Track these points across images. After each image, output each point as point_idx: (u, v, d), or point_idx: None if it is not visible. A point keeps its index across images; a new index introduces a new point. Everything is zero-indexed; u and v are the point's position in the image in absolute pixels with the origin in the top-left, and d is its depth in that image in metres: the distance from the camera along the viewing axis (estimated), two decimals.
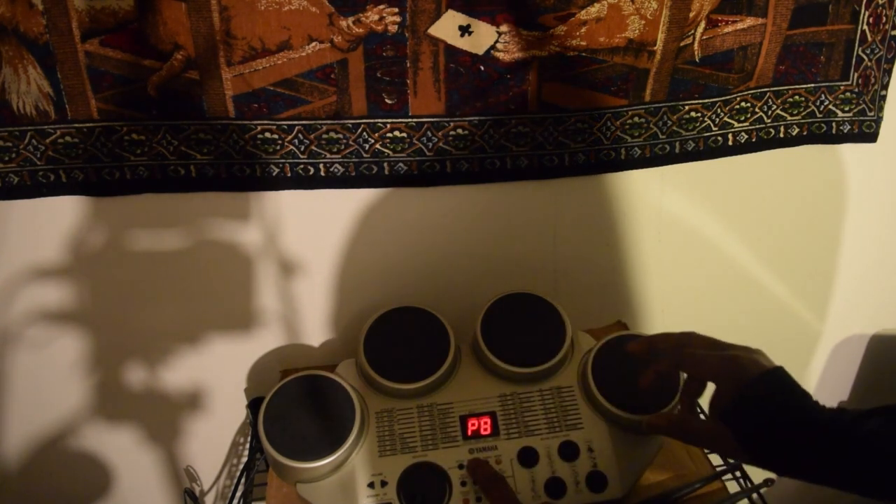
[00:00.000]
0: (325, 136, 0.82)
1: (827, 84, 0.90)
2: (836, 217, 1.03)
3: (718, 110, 0.89)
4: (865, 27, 0.86)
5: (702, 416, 0.75)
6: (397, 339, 0.78)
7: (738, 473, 0.77)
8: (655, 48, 0.82)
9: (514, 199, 0.91)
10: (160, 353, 0.93)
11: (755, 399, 0.54)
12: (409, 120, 0.82)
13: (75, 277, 0.87)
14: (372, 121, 0.82)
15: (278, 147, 0.82)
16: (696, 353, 0.61)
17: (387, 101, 0.81)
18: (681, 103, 0.87)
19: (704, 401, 0.88)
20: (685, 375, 0.68)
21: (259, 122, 0.80)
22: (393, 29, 0.77)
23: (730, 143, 0.92)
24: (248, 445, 1.00)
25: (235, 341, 0.94)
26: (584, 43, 0.81)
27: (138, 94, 0.77)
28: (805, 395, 0.54)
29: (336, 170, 0.85)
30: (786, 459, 0.53)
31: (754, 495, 0.74)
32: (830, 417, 0.52)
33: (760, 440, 0.54)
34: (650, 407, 0.71)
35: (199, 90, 0.78)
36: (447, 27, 0.78)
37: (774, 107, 0.90)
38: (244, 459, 1.00)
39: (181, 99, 0.78)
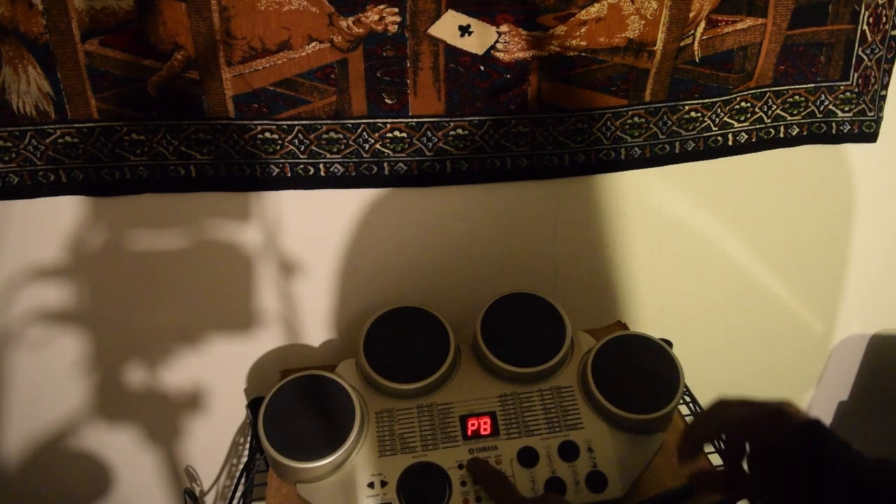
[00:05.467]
0: (325, 136, 0.82)
1: (827, 84, 0.90)
2: (835, 217, 1.03)
3: (718, 110, 0.89)
4: (865, 27, 0.86)
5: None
6: (397, 339, 0.78)
7: None
8: (655, 48, 0.82)
9: (514, 199, 0.91)
10: (160, 353, 0.93)
11: (803, 449, 0.54)
12: (409, 120, 0.82)
13: (75, 277, 0.87)
14: (372, 121, 0.82)
15: (278, 147, 0.82)
16: (735, 415, 0.60)
17: (387, 101, 0.81)
18: (681, 103, 0.87)
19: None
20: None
21: (259, 122, 0.80)
22: (393, 29, 0.77)
23: (730, 143, 0.92)
24: (248, 445, 1.00)
25: (235, 341, 0.94)
26: (584, 43, 0.81)
27: (138, 94, 0.77)
28: (848, 445, 0.55)
29: (336, 170, 0.85)
30: None
31: None
32: (874, 469, 0.52)
33: (808, 488, 0.54)
34: (650, 407, 0.71)
35: (199, 90, 0.78)
36: (447, 27, 0.78)
37: (774, 107, 0.90)
38: (244, 459, 1.00)
39: (181, 99, 0.78)
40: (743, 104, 0.89)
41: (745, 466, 0.61)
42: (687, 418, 0.86)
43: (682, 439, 0.63)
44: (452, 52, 0.79)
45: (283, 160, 0.83)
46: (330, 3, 0.75)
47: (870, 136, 0.93)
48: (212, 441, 1.01)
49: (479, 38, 0.79)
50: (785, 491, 0.55)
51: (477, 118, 0.83)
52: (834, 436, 0.55)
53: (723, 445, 0.62)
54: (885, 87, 0.90)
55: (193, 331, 0.93)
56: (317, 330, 0.96)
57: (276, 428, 0.70)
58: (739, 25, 0.83)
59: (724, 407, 0.62)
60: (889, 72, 0.89)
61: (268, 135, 0.81)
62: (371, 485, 0.69)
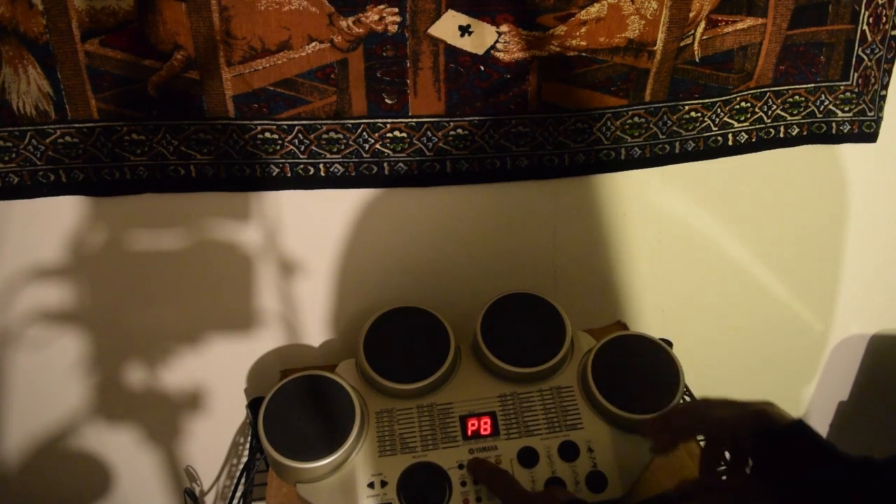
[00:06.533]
0: (325, 136, 0.82)
1: (827, 84, 0.90)
2: (835, 217, 1.03)
3: (718, 110, 0.89)
4: (865, 27, 0.86)
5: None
6: (397, 339, 0.78)
7: None
8: (655, 48, 0.82)
9: (514, 199, 0.91)
10: (160, 353, 0.93)
11: (792, 449, 0.54)
12: (409, 120, 0.82)
13: (75, 277, 0.87)
14: (372, 121, 0.82)
15: (278, 147, 0.82)
16: (716, 415, 0.59)
17: (387, 101, 0.81)
18: (681, 103, 0.87)
19: None
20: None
21: (259, 122, 0.80)
22: (393, 29, 0.77)
23: (730, 143, 0.92)
24: (248, 445, 1.00)
25: (235, 341, 0.94)
26: (583, 43, 0.81)
27: (138, 94, 0.77)
28: (833, 446, 0.54)
29: (336, 170, 0.85)
30: None
31: None
32: (860, 467, 0.52)
33: (798, 491, 0.54)
34: (650, 407, 0.71)
35: (199, 90, 0.78)
36: (447, 27, 0.78)
37: (774, 107, 0.90)
38: (244, 459, 1.00)
39: (181, 99, 0.78)
40: (743, 104, 0.89)
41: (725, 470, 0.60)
42: None
43: (656, 431, 0.62)
44: (452, 52, 0.79)
45: (283, 160, 0.83)
46: (330, 3, 0.75)
47: (870, 136, 0.93)
48: (212, 441, 1.01)
49: (479, 38, 0.79)
50: (770, 493, 0.55)
51: (477, 118, 0.83)
52: (819, 436, 0.55)
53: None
54: (885, 87, 0.90)
55: (193, 331, 0.93)
56: (317, 330, 0.96)
57: (276, 428, 0.70)
58: (739, 25, 0.83)
59: (706, 406, 0.61)
60: (889, 72, 0.89)
61: (268, 135, 0.81)
62: (371, 485, 0.69)
